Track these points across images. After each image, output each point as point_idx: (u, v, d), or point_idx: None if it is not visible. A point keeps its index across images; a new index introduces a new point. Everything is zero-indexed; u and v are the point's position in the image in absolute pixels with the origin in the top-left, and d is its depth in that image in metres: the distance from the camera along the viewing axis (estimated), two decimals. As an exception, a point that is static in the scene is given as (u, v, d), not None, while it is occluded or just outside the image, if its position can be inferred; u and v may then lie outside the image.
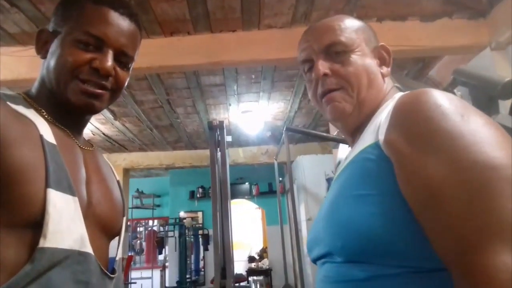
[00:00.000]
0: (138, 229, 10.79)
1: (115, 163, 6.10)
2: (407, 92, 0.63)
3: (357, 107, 0.72)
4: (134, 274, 7.61)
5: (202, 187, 7.60)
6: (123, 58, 0.74)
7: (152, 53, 2.67)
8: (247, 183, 7.55)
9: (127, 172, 6.27)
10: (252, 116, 4.62)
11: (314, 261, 0.70)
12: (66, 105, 0.71)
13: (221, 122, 3.87)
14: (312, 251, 0.70)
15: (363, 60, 0.73)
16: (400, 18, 2.69)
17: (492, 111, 1.37)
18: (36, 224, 0.58)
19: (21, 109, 0.65)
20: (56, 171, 0.61)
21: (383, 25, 2.68)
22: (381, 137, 0.59)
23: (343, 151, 3.13)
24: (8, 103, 0.64)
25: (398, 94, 0.71)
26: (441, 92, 0.57)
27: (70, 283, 0.61)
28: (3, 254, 0.55)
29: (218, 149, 3.97)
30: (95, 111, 0.74)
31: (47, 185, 0.59)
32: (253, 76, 3.55)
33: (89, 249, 0.64)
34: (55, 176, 0.61)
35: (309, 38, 0.76)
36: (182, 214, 7.56)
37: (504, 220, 0.44)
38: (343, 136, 0.85)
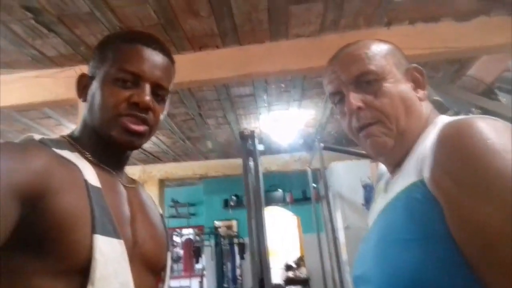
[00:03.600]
0: (174, 238, 10.99)
1: (150, 174, 6.24)
2: (450, 121, 0.59)
3: (398, 139, 0.67)
4: (172, 283, 7.74)
5: (235, 195, 7.63)
6: (159, 91, 0.76)
7: (182, 68, 2.69)
8: (280, 191, 7.50)
9: (162, 182, 6.39)
10: (283, 124, 4.60)
11: None
12: (109, 143, 0.73)
13: (252, 132, 3.86)
14: (360, 284, 0.67)
15: (397, 87, 0.68)
16: (433, 19, 2.58)
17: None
18: (83, 270, 0.58)
19: (65, 153, 0.67)
20: (101, 216, 0.63)
21: (416, 27, 2.59)
22: (426, 175, 0.55)
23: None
24: (53, 149, 0.67)
25: (440, 119, 0.67)
26: (487, 123, 0.52)
27: None
28: None
29: (251, 158, 3.97)
30: (136, 147, 0.76)
31: (93, 231, 0.60)
32: (283, 85, 3.53)
33: None
34: (101, 220, 0.62)
35: (336, 68, 0.73)
36: (217, 223, 7.62)
37: None
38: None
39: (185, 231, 9.61)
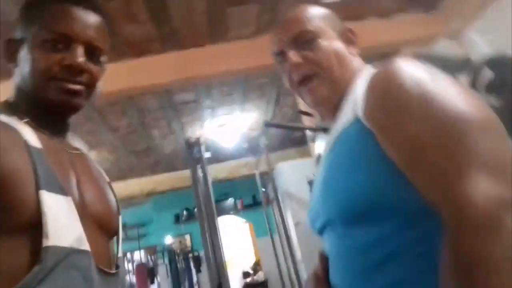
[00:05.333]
0: (126, 264, 10.50)
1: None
2: (380, 68, 0.68)
3: (332, 88, 0.76)
4: (126, 308, 7.36)
5: (186, 209, 7.51)
6: (94, 52, 0.74)
7: (122, 75, 2.68)
8: (231, 199, 7.51)
9: (108, 203, 6.14)
10: (228, 129, 4.66)
11: (319, 232, 0.74)
12: (46, 107, 0.72)
13: (198, 139, 3.89)
14: (314, 223, 0.75)
15: (331, 43, 0.77)
16: (359, 17, 2.82)
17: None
18: (34, 226, 0.58)
19: (2, 117, 0.65)
20: (45, 174, 0.62)
21: (344, 24, 2.80)
22: (360, 113, 0.64)
23: (322, 146, 3.16)
24: None
25: (367, 69, 0.76)
26: (409, 62, 0.63)
27: (79, 280, 0.61)
28: (5, 260, 0.56)
29: (198, 166, 3.97)
30: (75, 108, 0.75)
31: (38, 187, 0.60)
32: (225, 89, 3.61)
33: (86, 247, 0.64)
34: (45, 178, 0.61)
35: (279, 31, 0.82)
36: (168, 239, 7.43)
37: (478, 154, 0.50)
38: (320, 125, 0.91)
39: (136, 254, 9.24)
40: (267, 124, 2.67)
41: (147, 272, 7.50)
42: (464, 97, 0.56)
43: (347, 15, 2.89)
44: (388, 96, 0.60)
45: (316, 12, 0.81)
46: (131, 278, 9.98)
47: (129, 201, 7.50)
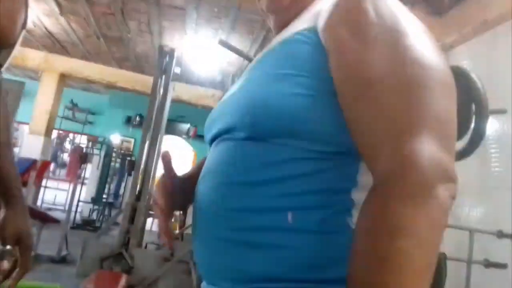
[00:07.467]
0: (65, 143, 10.44)
1: (52, 66, 5.69)
2: None
3: (294, 1, 0.68)
4: (50, 183, 7.38)
5: (140, 115, 7.42)
6: None
7: None
8: (188, 124, 7.48)
9: (63, 78, 5.89)
10: (206, 54, 4.52)
11: (211, 141, 0.66)
12: None
13: (173, 50, 3.74)
14: (210, 130, 0.67)
15: None
16: None
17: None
18: None
19: None
20: None
21: None
22: (321, 24, 0.57)
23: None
24: None
25: None
26: None
27: None
28: None
29: (164, 77, 3.86)
30: None
31: None
32: (216, 10, 3.44)
33: None
34: None
35: None
36: (115, 137, 7.38)
37: (433, 114, 0.46)
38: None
39: (78, 139, 9.14)
40: (222, 42, 2.46)
41: (80, 155, 7.47)
42: (432, 46, 0.52)
43: None
44: (359, 12, 0.53)
45: None
46: (66, 157, 10.00)
47: (87, 85, 7.28)
